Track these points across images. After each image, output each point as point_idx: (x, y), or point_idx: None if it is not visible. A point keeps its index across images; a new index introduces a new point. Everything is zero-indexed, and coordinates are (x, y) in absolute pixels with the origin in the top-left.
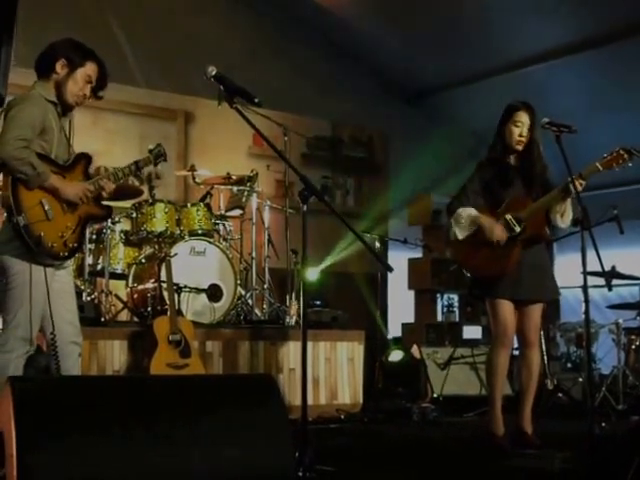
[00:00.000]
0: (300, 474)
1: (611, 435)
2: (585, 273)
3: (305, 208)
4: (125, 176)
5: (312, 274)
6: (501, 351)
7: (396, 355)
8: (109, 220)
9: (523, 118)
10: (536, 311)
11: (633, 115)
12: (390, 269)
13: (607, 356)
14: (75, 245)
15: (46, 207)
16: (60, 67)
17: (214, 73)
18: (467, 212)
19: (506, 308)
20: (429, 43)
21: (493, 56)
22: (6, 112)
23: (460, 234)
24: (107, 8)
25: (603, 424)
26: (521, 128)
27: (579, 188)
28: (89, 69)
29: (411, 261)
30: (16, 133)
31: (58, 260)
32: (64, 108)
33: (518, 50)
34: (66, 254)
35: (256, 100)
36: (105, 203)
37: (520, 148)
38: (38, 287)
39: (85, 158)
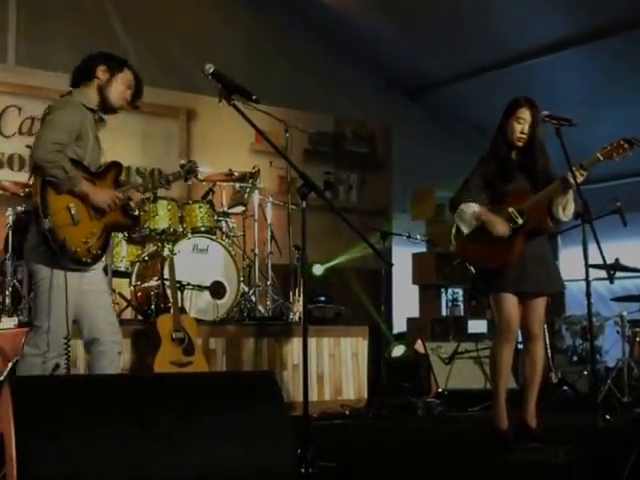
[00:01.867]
0: (302, 470)
1: (616, 428)
2: (587, 266)
3: (304, 204)
4: (154, 188)
5: (318, 270)
6: (505, 345)
7: (398, 350)
8: None
9: (525, 115)
10: (540, 304)
11: (634, 109)
12: (389, 265)
13: (613, 348)
14: (99, 252)
15: (73, 212)
16: (101, 72)
17: (212, 71)
18: (470, 208)
19: (510, 302)
20: (430, 38)
21: (495, 50)
22: (44, 116)
23: (465, 229)
24: (109, 7)
25: (607, 417)
26: (523, 125)
27: (580, 179)
28: (128, 75)
29: (415, 256)
30: (52, 136)
31: (80, 265)
32: (105, 111)
33: (519, 44)
34: (89, 260)
35: (254, 97)
36: (131, 213)
37: (520, 145)
38: (66, 292)
39: (116, 167)
